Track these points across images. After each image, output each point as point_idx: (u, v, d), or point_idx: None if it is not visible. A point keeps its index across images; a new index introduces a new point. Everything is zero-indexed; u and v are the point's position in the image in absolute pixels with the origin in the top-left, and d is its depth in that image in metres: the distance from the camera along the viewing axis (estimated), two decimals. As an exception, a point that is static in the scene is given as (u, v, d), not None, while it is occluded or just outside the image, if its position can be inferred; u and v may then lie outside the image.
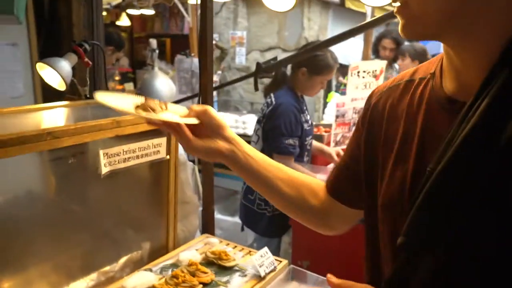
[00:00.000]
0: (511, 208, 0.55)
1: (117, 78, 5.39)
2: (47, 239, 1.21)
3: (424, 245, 0.61)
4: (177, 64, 4.13)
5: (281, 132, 2.32)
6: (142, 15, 6.57)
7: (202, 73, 1.66)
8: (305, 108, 2.53)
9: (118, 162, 1.29)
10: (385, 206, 0.78)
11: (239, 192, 3.12)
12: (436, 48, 4.54)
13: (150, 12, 5.94)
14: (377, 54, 3.61)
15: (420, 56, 3.60)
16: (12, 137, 1.00)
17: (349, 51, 4.54)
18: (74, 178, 1.28)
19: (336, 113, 2.71)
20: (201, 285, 1.31)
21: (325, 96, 5.38)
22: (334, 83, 5.19)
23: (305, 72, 2.40)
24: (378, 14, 2.82)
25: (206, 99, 1.68)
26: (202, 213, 1.79)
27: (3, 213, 1.13)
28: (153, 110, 0.89)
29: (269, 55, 6.02)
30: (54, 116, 1.49)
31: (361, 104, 2.78)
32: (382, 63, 2.78)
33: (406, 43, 3.83)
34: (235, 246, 1.60)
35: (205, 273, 1.36)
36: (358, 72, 2.66)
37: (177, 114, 0.92)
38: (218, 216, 3.92)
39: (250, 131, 4.02)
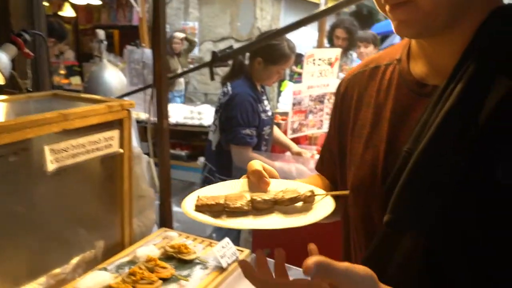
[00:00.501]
0: (490, 186, 0.57)
1: (62, 72, 5.13)
2: (-12, 243, 1.11)
3: (411, 222, 0.61)
4: (127, 55, 3.99)
5: (238, 122, 2.29)
6: (88, 6, 6.29)
7: (155, 64, 1.60)
8: (264, 97, 2.51)
9: (66, 158, 1.21)
10: (356, 190, 0.79)
11: (196, 183, 3.07)
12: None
13: (96, 2, 5.69)
14: (331, 43, 3.65)
15: (377, 42, 3.71)
16: None
17: (302, 41, 4.57)
18: (17, 177, 1.19)
19: (293, 101, 2.71)
20: (160, 281, 1.26)
21: (279, 85, 5.40)
22: (287, 71, 5.21)
23: (261, 62, 2.38)
24: (331, 3, 2.84)
25: (160, 90, 1.62)
26: (160, 207, 1.73)
27: None
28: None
29: (222, 46, 5.96)
30: (-9, 111, 1.37)
31: (317, 92, 2.80)
32: (337, 51, 2.80)
33: (360, 31, 3.91)
34: (195, 239, 1.56)
35: (165, 268, 1.31)
36: (314, 60, 2.67)
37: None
38: (175, 209, 3.83)
39: (206, 121, 3.96)
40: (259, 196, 0.73)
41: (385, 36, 5.94)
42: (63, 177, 1.24)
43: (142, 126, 2.99)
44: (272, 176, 0.81)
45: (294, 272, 1.60)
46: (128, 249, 1.47)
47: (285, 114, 3.03)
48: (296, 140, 3.01)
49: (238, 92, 2.35)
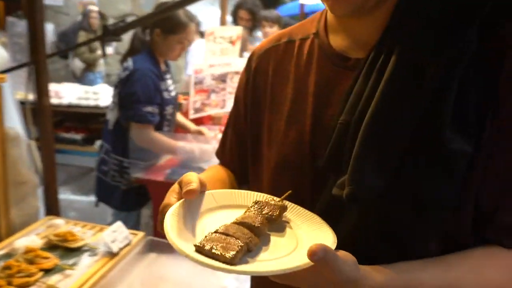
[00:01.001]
0: (437, 149, 0.58)
1: None
2: None
3: (369, 191, 0.60)
4: (9, 28, 3.56)
5: (138, 99, 2.17)
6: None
7: (30, 34, 1.43)
8: (168, 76, 2.40)
9: None
10: (281, 168, 0.75)
11: (94, 169, 2.88)
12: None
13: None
14: (236, 24, 3.61)
15: (282, 22, 3.74)
16: None
17: (206, 19, 4.48)
18: None
19: (195, 80, 2.64)
20: (41, 273, 1.15)
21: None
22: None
23: (160, 33, 2.27)
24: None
25: (38, 64, 1.45)
26: (45, 193, 1.58)
27: None
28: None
29: (124, 23, 5.62)
30: None
31: (219, 71, 2.76)
32: (238, 29, 2.78)
33: (265, 11, 3.91)
34: (85, 225, 1.45)
35: (47, 258, 1.20)
36: (214, 37, 2.62)
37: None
38: (71, 196, 3.59)
39: (103, 102, 3.71)
40: (249, 221, 0.61)
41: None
42: None
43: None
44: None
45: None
46: (5, 241, 1.32)
47: (187, 93, 2.95)
48: (199, 120, 2.96)
49: (139, 67, 2.22)
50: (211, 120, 3.17)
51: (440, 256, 0.62)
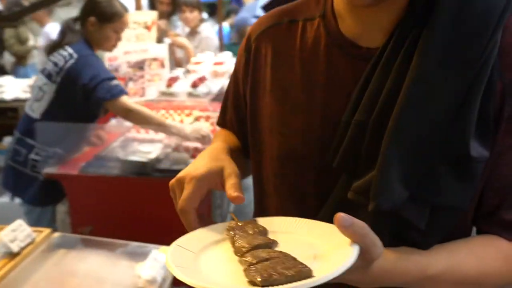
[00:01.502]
0: (462, 156, 0.57)
1: None
2: None
3: (397, 204, 0.58)
4: None
5: (103, 78, 2.10)
6: None
7: None
8: None
9: None
10: (285, 160, 0.72)
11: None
12: None
13: None
14: (154, 8, 3.49)
15: (201, 7, 3.68)
16: None
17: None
18: None
19: (109, 68, 2.54)
20: None
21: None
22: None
23: (95, 22, 2.17)
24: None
25: None
26: None
27: None
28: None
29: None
30: None
31: (135, 58, 2.68)
32: (153, 14, 2.71)
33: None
34: (-17, 226, 1.36)
35: None
36: (128, 23, 2.52)
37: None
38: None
39: (8, 95, 3.41)
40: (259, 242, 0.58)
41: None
42: None
43: None
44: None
45: (111, 248, 1.53)
46: None
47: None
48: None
49: (86, 53, 2.16)
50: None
51: (442, 244, 0.63)
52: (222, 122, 0.89)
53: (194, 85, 2.32)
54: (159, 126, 2.21)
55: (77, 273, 1.29)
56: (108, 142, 2.36)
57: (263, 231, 0.61)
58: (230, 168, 0.66)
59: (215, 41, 3.70)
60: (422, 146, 0.58)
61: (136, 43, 2.62)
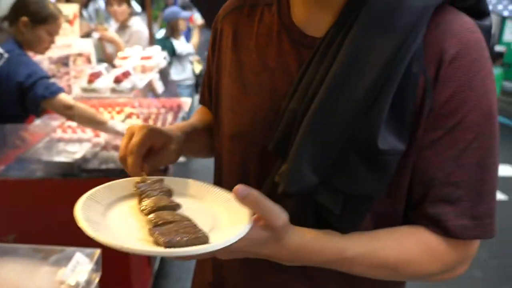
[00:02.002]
0: (371, 148, 0.59)
1: None
2: None
3: (305, 188, 0.61)
4: None
5: (39, 76, 1.99)
6: None
7: None
8: None
9: None
10: (234, 137, 0.76)
11: None
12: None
13: None
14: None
15: (130, 1, 3.55)
16: None
17: None
18: None
19: (29, 65, 2.38)
20: None
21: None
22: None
23: (28, 23, 2.02)
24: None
25: None
26: None
27: None
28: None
29: None
30: None
31: (58, 53, 2.54)
32: (75, 7, 2.57)
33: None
34: None
35: None
36: (46, 16, 2.38)
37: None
38: None
39: None
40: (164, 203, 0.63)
41: None
42: None
43: None
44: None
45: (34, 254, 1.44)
46: None
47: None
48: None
49: (18, 52, 2.02)
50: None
51: (368, 231, 0.67)
52: (201, 99, 0.95)
53: (117, 80, 2.23)
54: (99, 124, 2.12)
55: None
56: (31, 143, 2.23)
57: (168, 192, 0.66)
58: (169, 136, 0.73)
59: (146, 35, 3.60)
60: (334, 136, 0.61)
61: (58, 38, 2.47)
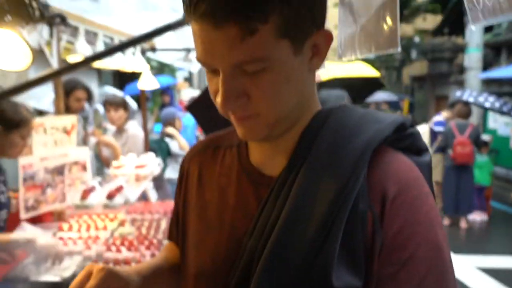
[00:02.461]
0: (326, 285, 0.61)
1: None
2: None
3: None
4: None
5: None
6: None
7: None
8: (1, 177, 2.15)
9: None
10: (198, 275, 0.77)
11: None
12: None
13: None
14: (66, 108, 3.41)
15: (126, 105, 3.67)
16: None
17: (43, 95, 4.19)
18: None
19: (24, 176, 2.40)
20: None
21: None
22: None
23: (0, 130, 2.05)
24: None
25: None
26: None
27: None
28: None
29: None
30: None
31: (54, 163, 2.56)
32: (73, 118, 2.66)
33: (109, 94, 3.83)
34: None
35: None
36: (45, 129, 2.45)
37: None
38: None
39: None
40: None
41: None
42: None
43: None
44: None
45: None
46: None
47: (15, 190, 2.66)
48: (37, 219, 2.66)
49: None
50: (52, 215, 2.88)
51: None
52: (169, 235, 0.97)
53: (110, 196, 2.24)
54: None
55: None
56: (21, 257, 2.15)
57: None
58: (126, 282, 0.74)
59: (142, 138, 3.69)
60: (289, 273, 0.62)
61: (54, 148, 2.52)
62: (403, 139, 0.73)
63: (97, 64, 3.75)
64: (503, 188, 8.01)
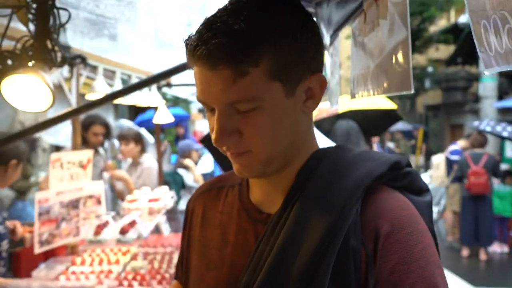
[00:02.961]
0: None
1: None
2: None
3: None
4: None
5: None
6: None
7: None
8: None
9: None
10: None
11: None
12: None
13: None
14: (84, 141, 3.47)
15: (138, 138, 3.71)
16: None
17: (59, 129, 4.28)
18: None
19: (39, 210, 2.41)
20: None
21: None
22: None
23: (16, 164, 2.13)
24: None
25: None
26: None
27: None
28: None
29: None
30: None
31: (69, 197, 2.58)
32: (89, 153, 2.69)
33: (123, 128, 3.89)
34: None
35: None
36: (61, 163, 2.49)
37: None
38: None
39: None
40: None
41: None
42: None
43: None
44: None
45: None
46: None
47: (30, 225, 2.67)
48: (50, 253, 2.67)
49: None
50: (65, 249, 2.88)
51: None
52: (176, 274, 0.97)
53: (123, 231, 2.24)
54: None
55: None
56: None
57: None
58: None
59: (156, 171, 3.71)
60: None
61: (69, 182, 2.55)
62: (400, 178, 0.73)
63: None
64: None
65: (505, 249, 6.15)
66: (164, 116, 3.58)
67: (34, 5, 1.43)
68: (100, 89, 3.08)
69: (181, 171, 4.33)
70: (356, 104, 3.31)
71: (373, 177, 0.69)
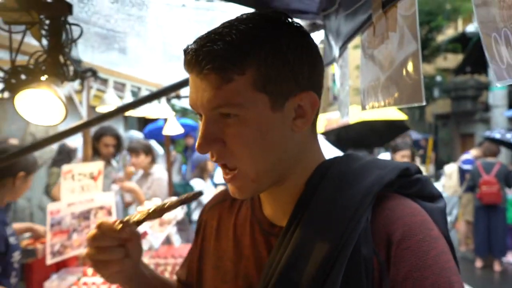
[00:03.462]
0: None
1: None
2: None
3: None
4: None
5: None
6: None
7: None
8: (8, 217, 2.19)
9: None
10: None
11: None
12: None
13: None
14: (95, 152, 3.51)
15: (148, 150, 3.74)
16: None
17: (71, 140, 4.31)
18: None
19: (51, 221, 2.44)
20: None
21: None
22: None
23: (23, 176, 2.14)
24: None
25: None
26: None
27: None
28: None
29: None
30: None
31: (80, 208, 2.60)
32: (99, 164, 2.72)
33: (134, 138, 3.92)
34: None
35: None
36: (73, 175, 2.51)
37: None
38: None
39: None
40: None
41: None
42: None
43: None
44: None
45: None
46: None
47: (41, 236, 2.69)
48: (61, 264, 2.68)
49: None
50: (77, 260, 2.90)
51: None
52: (176, 273, 0.97)
53: (135, 243, 2.24)
54: None
55: None
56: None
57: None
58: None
59: (167, 182, 3.73)
60: None
61: (81, 194, 2.57)
62: (410, 185, 0.73)
63: (124, 111, 3.86)
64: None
65: (520, 259, 6.05)
66: (173, 127, 3.60)
67: (47, 21, 1.46)
68: (110, 101, 3.12)
69: (193, 182, 4.34)
70: (367, 114, 3.30)
71: (383, 184, 0.68)
